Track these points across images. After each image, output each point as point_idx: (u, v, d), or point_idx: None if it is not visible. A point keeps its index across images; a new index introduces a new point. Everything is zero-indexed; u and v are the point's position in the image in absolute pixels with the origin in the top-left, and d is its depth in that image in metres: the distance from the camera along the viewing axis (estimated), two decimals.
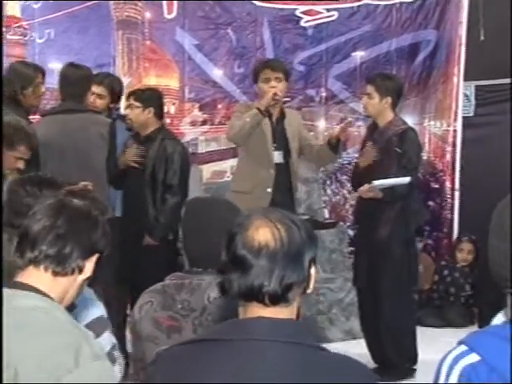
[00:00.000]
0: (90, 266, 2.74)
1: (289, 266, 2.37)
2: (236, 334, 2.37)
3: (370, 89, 6.40)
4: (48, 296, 2.59)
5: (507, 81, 8.53)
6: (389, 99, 6.38)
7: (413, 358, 6.58)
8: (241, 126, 6.25)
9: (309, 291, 2.48)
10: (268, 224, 2.39)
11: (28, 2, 7.05)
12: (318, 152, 6.60)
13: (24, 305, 2.53)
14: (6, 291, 2.57)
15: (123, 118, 6.66)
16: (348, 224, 7.94)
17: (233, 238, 2.39)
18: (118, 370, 3.51)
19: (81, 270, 2.71)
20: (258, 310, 2.37)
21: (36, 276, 2.64)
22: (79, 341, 2.46)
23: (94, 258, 2.76)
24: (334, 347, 6.65)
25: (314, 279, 2.48)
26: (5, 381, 2.40)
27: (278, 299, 2.35)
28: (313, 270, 2.46)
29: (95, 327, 3.44)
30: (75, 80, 6.49)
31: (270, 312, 2.37)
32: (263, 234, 2.37)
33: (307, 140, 6.71)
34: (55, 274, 2.64)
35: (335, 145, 6.35)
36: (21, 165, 5.26)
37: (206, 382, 2.31)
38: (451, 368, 2.35)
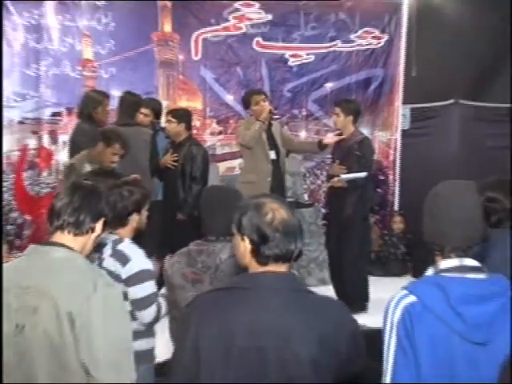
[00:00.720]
0: (99, 226, 2.85)
1: (297, 236, 2.39)
2: (249, 284, 2.39)
3: (337, 110, 6.48)
4: (72, 249, 2.73)
5: (431, 104, 8.60)
6: (351, 117, 6.49)
7: (366, 297, 6.70)
8: (253, 134, 6.38)
9: None
10: (281, 206, 2.40)
11: (97, 49, 7.04)
12: (300, 144, 6.99)
13: (57, 256, 2.70)
14: (44, 247, 2.75)
15: (163, 129, 6.73)
16: (321, 205, 7.91)
17: (257, 220, 2.38)
18: (153, 309, 3.63)
19: (93, 230, 2.82)
20: (264, 267, 2.39)
21: (62, 237, 2.76)
22: (95, 276, 2.66)
23: (101, 221, 2.86)
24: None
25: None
26: (46, 310, 2.55)
27: (287, 260, 2.39)
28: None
29: (144, 275, 3.62)
30: (129, 103, 6.51)
31: (274, 267, 2.39)
32: (281, 214, 2.37)
33: (287, 136, 6.86)
34: (75, 235, 2.77)
35: (324, 146, 6.59)
36: (116, 159, 5.49)
37: (226, 319, 2.33)
38: (396, 306, 2.48)
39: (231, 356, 2.29)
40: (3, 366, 2.60)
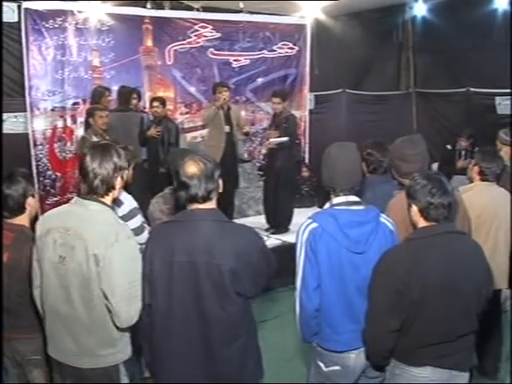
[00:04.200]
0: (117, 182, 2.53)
1: (208, 181, 2.28)
2: (184, 217, 2.34)
3: (278, 99, 6.32)
4: (105, 204, 2.47)
5: (328, 92, 8.60)
6: (285, 103, 6.40)
7: (289, 222, 6.51)
8: (207, 115, 6.42)
9: (220, 191, 2.37)
10: (194, 162, 2.29)
11: (102, 59, 6.67)
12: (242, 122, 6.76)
13: (92, 208, 2.44)
14: (85, 200, 2.45)
15: (146, 112, 6.58)
16: (256, 160, 7.77)
17: (178, 172, 2.30)
18: (146, 234, 3.43)
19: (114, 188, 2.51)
20: (196, 205, 2.32)
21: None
22: (119, 229, 2.41)
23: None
24: (251, 220, 6.81)
25: (221, 185, 2.38)
26: (79, 249, 2.37)
27: (205, 199, 2.29)
28: (220, 181, 2.35)
29: (134, 212, 3.45)
30: (124, 93, 6.29)
31: (202, 206, 2.32)
32: (192, 168, 2.28)
33: (238, 116, 6.70)
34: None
35: (246, 133, 6.81)
36: (104, 121, 5.61)
37: (169, 242, 2.31)
38: (304, 230, 2.43)
39: (173, 268, 2.27)
40: (49, 286, 2.48)
